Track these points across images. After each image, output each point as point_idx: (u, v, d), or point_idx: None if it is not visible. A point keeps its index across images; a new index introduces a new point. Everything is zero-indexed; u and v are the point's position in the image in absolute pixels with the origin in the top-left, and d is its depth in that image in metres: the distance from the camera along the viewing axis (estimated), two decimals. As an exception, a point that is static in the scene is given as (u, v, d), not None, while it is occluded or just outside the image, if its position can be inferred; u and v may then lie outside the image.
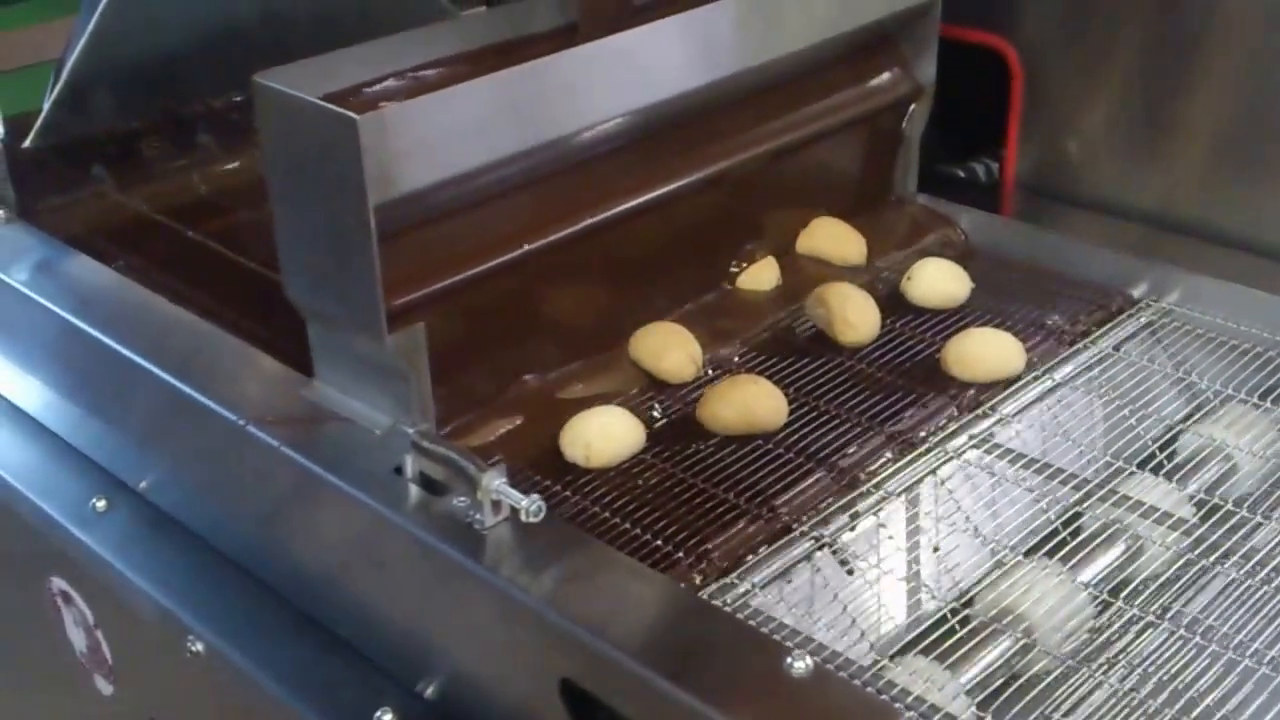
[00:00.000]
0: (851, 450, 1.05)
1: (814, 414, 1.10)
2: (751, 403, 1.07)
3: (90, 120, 1.38)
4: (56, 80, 1.35)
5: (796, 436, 1.07)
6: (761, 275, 1.24)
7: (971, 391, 1.12)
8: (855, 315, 1.18)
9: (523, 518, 0.90)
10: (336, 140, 0.91)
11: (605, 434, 1.05)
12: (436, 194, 0.98)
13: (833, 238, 1.28)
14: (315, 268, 1.00)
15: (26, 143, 1.35)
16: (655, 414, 1.11)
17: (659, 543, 0.96)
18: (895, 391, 1.12)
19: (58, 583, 1.23)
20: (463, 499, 0.93)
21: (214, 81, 1.47)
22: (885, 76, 1.30)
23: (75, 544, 1.17)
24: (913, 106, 1.32)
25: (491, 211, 1.04)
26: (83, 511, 1.18)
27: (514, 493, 0.90)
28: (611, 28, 1.06)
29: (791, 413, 1.09)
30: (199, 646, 1.06)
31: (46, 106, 1.34)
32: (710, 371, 1.15)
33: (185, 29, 1.38)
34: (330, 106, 0.91)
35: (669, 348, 1.14)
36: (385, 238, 0.94)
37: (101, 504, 1.18)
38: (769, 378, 1.11)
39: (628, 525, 0.99)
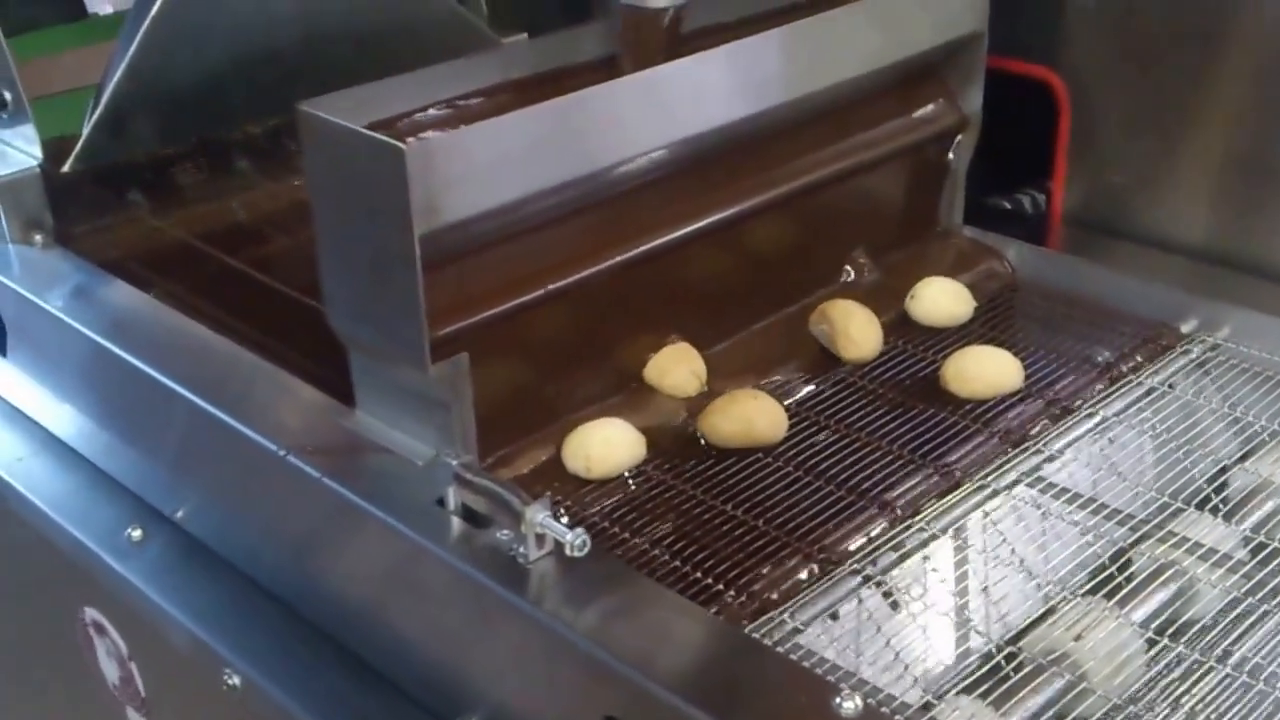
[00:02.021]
0: (884, 477, 1.05)
1: (814, 428, 1.11)
2: (752, 416, 1.08)
3: (130, 145, 1.37)
4: (96, 105, 1.34)
5: (797, 452, 1.08)
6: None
7: (1016, 423, 1.11)
8: (858, 331, 1.18)
9: (567, 551, 0.89)
10: (382, 169, 0.90)
11: (606, 444, 1.05)
12: (481, 223, 0.97)
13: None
14: (358, 297, 0.99)
15: (65, 167, 1.35)
16: (702, 443, 1.09)
17: (705, 578, 0.95)
18: (896, 407, 1.13)
19: (91, 613, 1.22)
20: (505, 532, 0.92)
21: (253, 107, 1.47)
22: (931, 107, 1.29)
23: (109, 574, 1.16)
24: (959, 137, 1.30)
25: (535, 241, 1.03)
26: (117, 541, 1.17)
27: (559, 526, 0.89)
28: (657, 58, 1.05)
29: (792, 427, 1.10)
30: (235, 679, 1.05)
31: (86, 131, 1.34)
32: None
33: (226, 54, 1.38)
34: (377, 135, 0.91)
35: (674, 362, 1.14)
36: (429, 267, 0.93)
37: (136, 533, 1.17)
38: (769, 391, 1.12)
39: (657, 551, 0.98)
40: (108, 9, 2.59)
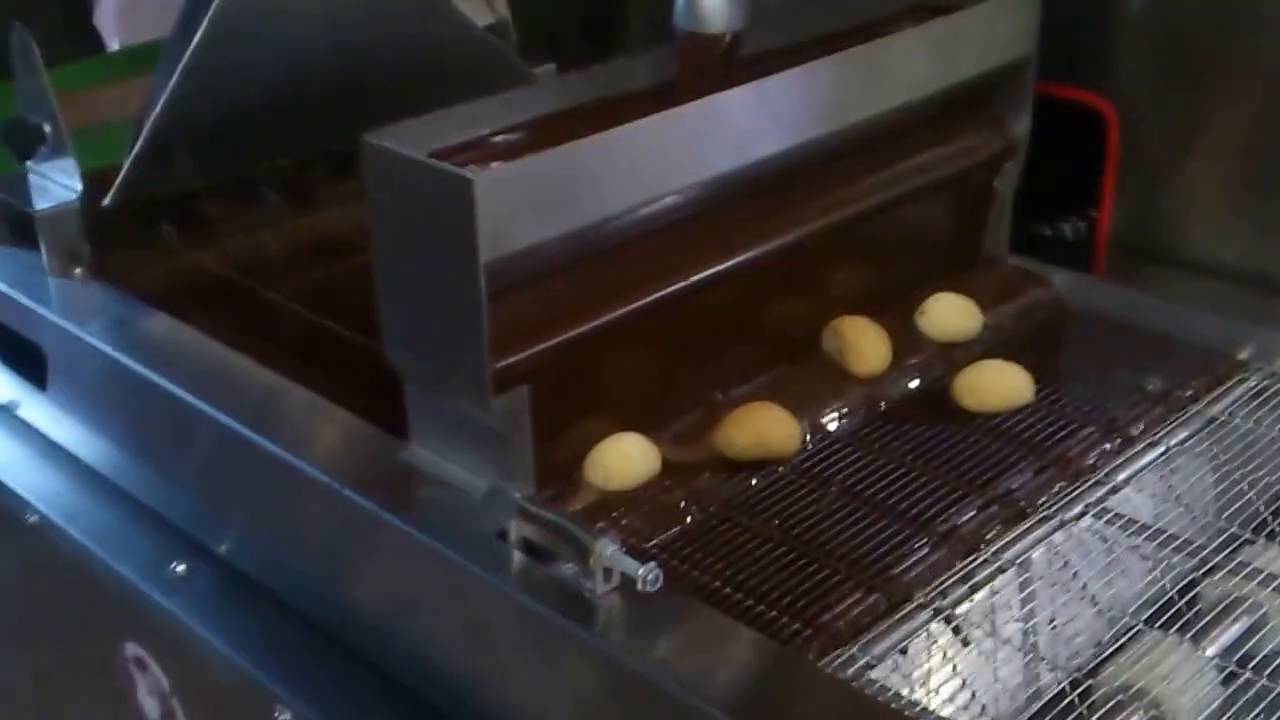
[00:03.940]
0: (934, 503, 1.04)
1: (847, 449, 1.11)
2: (766, 428, 1.09)
3: (170, 178, 1.37)
4: (135, 138, 1.33)
5: (833, 473, 1.08)
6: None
7: (1075, 453, 1.09)
8: (869, 346, 1.19)
9: (639, 586, 0.87)
10: (450, 199, 0.90)
11: (624, 457, 1.06)
12: (543, 252, 0.96)
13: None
14: (419, 329, 0.98)
15: (106, 201, 1.34)
16: (756, 483, 1.08)
17: (770, 610, 0.94)
18: (906, 420, 1.14)
19: (132, 648, 1.21)
20: (569, 566, 0.91)
21: (289, 139, 1.46)
22: (978, 134, 1.28)
23: (153, 608, 1.14)
24: (1005, 164, 1.30)
25: (593, 271, 1.02)
26: (161, 575, 1.16)
27: (629, 561, 0.88)
28: (717, 85, 1.04)
29: (822, 448, 1.11)
30: (286, 716, 1.03)
31: (126, 165, 1.33)
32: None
33: (264, 87, 1.37)
34: (445, 166, 0.90)
35: None
36: (490, 298, 0.92)
37: (181, 568, 1.16)
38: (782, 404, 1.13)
39: (717, 583, 0.97)
40: (114, 44, 2.60)
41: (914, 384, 1.20)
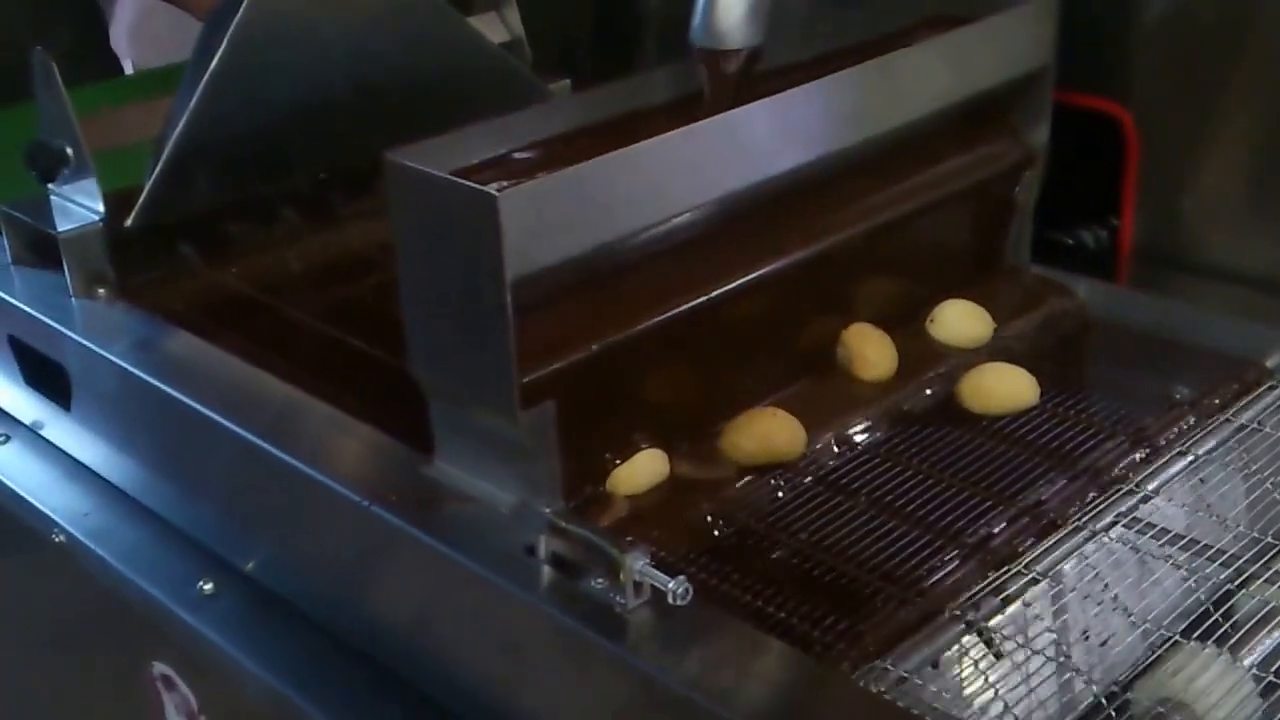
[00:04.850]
0: (961, 514, 1.04)
1: (848, 451, 1.12)
2: (771, 433, 1.10)
3: (192, 198, 1.37)
4: (157, 159, 1.34)
5: (831, 474, 1.09)
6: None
7: (1103, 462, 1.09)
8: (874, 352, 1.20)
9: (669, 600, 0.87)
10: (474, 217, 0.90)
11: (631, 462, 1.07)
12: (566, 267, 0.97)
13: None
14: (445, 346, 0.98)
15: (129, 222, 1.34)
16: (780, 494, 1.08)
17: (795, 620, 0.94)
18: (922, 428, 1.14)
19: (160, 667, 1.21)
20: (599, 580, 0.91)
21: (306, 157, 1.46)
22: (997, 144, 1.28)
23: (180, 627, 1.14)
24: (1025, 174, 1.29)
25: (621, 284, 1.02)
26: (188, 593, 1.16)
27: (659, 574, 0.88)
28: (736, 100, 1.04)
29: (839, 455, 1.12)
30: (316, 735, 1.03)
31: (148, 185, 1.33)
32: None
33: (284, 106, 1.37)
34: (469, 183, 0.90)
35: None
36: (517, 313, 0.92)
37: (208, 586, 1.16)
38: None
39: (742, 594, 0.97)
40: (128, 65, 2.61)
41: (926, 391, 1.19)
